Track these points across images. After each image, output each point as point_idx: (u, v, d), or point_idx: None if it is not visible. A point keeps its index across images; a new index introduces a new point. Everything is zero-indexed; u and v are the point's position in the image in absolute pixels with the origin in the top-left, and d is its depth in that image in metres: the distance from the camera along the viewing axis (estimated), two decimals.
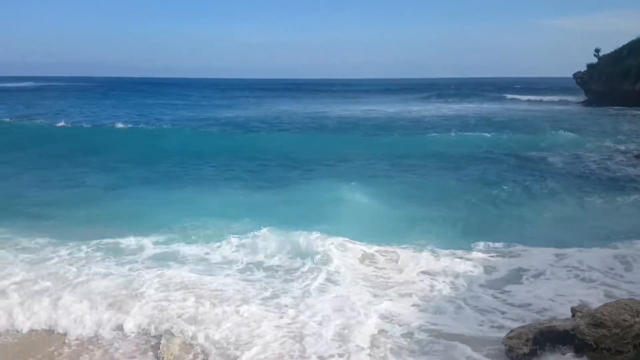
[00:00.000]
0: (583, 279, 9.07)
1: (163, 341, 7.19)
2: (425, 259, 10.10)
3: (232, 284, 8.99)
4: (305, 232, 11.03)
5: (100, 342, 7.34)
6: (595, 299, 8.06)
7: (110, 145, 25.70)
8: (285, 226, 11.53)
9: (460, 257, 10.29)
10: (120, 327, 7.58)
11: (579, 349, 6.25)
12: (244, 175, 18.91)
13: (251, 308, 8.04)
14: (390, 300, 8.39)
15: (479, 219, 13.21)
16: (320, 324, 7.52)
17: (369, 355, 6.72)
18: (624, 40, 57.13)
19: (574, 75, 62.83)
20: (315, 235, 10.82)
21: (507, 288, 8.84)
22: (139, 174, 19.14)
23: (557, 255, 10.31)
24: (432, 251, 10.59)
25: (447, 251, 10.57)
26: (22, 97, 70.35)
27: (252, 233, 11.05)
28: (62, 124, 34.58)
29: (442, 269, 9.64)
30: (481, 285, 8.96)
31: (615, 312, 6.22)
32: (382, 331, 7.33)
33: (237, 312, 7.92)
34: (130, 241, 10.95)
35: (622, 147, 24.98)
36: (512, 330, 6.74)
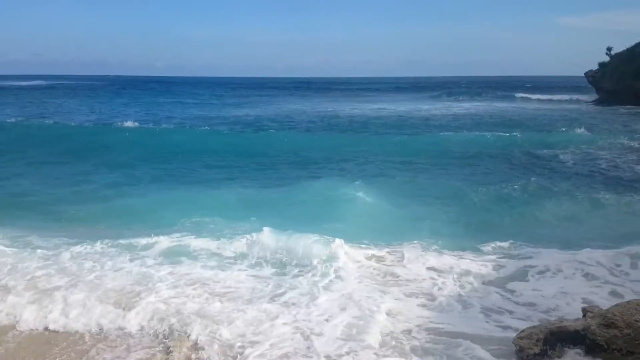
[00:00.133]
0: (591, 279, 9.03)
1: (171, 341, 7.23)
2: (433, 258, 10.08)
3: (241, 282, 9.07)
4: (312, 231, 11.04)
5: (110, 338, 7.38)
6: (601, 298, 8.06)
7: (121, 143, 25.83)
8: (292, 225, 11.55)
9: (468, 257, 10.28)
10: (130, 324, 7.64)
11: (590, 350, 6.21)
12: (253, 174, 18.98)
13: (259, 306, 8.08)
14: (398, 299, 8.40)
15: (487, 218, 13.19)
16: (327, 322, 7.53)
17: (377, 353, 6.70)
18: (637, 39, 56.78)
19: (586, 73, 62.37)
20: (322, 234, 10.83)
21: (515, 287, 8.81)
22: (150, 172, 19.24)
23: (565, 254, 10.28)
24: (440, 250, 10.58)
25: (455, 250, 10.55)
26: (33, 96, 70.69)
27: (259, 232, 11.03)
28: (73, 122, 34.83)
29: (449, 268, 9.62)
30: (489, 285, 8.94)
31: (626, 312, 6.19)
32: (389, 330, 7.32)
33: (246, 309, 7.96)
34: (140, 238, 11.03)
35: (636, 145, 24.84)
36: (522, 331, 6.70)
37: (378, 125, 36.04)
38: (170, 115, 42.97)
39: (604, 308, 6.61)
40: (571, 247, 10.67)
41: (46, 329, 7.63)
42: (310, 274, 9.29)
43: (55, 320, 7.75)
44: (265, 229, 11.03)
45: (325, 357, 6.68)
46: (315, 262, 9.70)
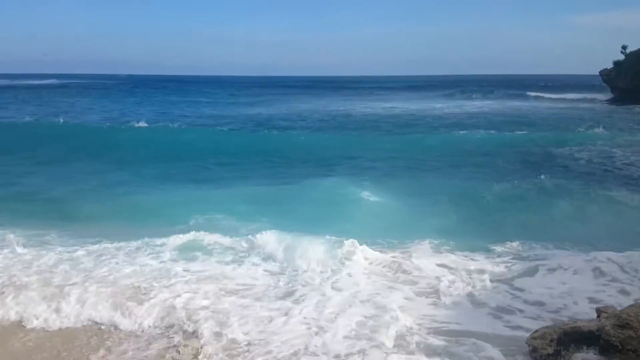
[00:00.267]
0: (604, 279, 8.97)
1: (181, 337, 7.29)
2: (443, 257, 10.11)
3: (252, 279, 9.15)
4: (324, 229, 11.11)
5: (122, 334, 7.46)
6: (614, 299, 8.02)
7: (135, 142, 25.99)
8: (303, 223, 11.69)
9: (478, 256, 10.28)
10: (142, 320, 7.71)
11: (604, 350, 6.16)
12: (266, 172, 19.11)
13: (270, 303, 8.16)
14: (408, 298, 8.42)
15: (499, 217, 13.17)
16: (338, 320, 7.55)
17: (387, 352, 6.71)
18: None
19: (600, 72, 61.69)
20: (333, 233, 10.88)
21: (525, 286, 8.79)
22: (163, 170, 19.39)
23: (577, 253, 10.26)
24: (450, 249, 10.58)
25: (465, 250, 10.54)
26: (46, 95, 71.26)
27: (271, 230, 11.10)
28: (86, 121, 35.13)
29: (460, 267, 9.62)
30: (499, 284, 8.92)
31: None
32: (400, 328, 7.31)
33: (256, 306, 8.05)
34: (153, 235, 11.14)
35: None
36: (536, 331, 6.67)
37: (391, 124, 35.96)
38: (184, 114, 43.16)
39: (619, 309, 6.56)
40: (584, 247, 10.63)
41: (59, 325, 7.69)
42: (321, 273, 9.32)
43: (67, 316, 7.83)
44: (276, 228, 11.09)
45: (335, 355, 6.69)
46: (326, 261, 9.72)
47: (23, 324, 7.71)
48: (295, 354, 6.74)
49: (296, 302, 8.21)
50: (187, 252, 10.41)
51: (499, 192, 15.29)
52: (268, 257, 10.03)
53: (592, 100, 62.32)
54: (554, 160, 21.18)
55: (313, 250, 10.05)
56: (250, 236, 10.89)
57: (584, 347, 6.33)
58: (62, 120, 35.02)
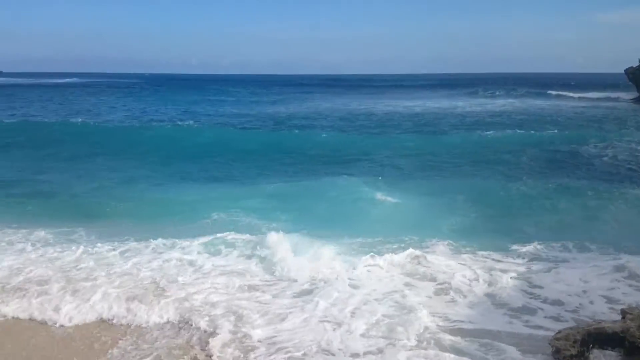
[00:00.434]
0: (626, 279, 8.90)
1: (197, 333, 7.39)
2: (463, 257, 10.10)
3: (270, 277, 9.25)
4: (342, 229, 11.29)
5: (140, 330, 7.60)
6: (638, 300, 7.93)
7: (157, 141, 26.30)
8: (322, 223, 11.90)
9: (498, 256, 10.25)
10: (160, 316, 7.87)
11: (629, 352, 6.09)
12: (286, 170, 19.31)
13: (287, 300, 8.28)
14: (427, 297, 8.42)
15: (520, 217, 13.09)
16: (355, 319, 7.61)
17: (406, 351, 6.73)
18: None
19: (626, 70, 60.62)
20: (352, 232, 10.97)
21: (546, 286, 8.75)
22: (185, 168, 19.70)
23: (599, 255, 10.19)
24: (470, 249, 10.56)
25: (485, 250, 10.51)
26: (70, 94, 72.13)
27: (289, 229, 11.23)
28: (111, 121, 35.59)
29: (480, 266, 9.59)
30: (520, 284, 8.88)
31: None
32: (419, 328, 7.32)
33: (274, 303, 8.17)
34: (175, 233, 11.38)
35: None
36: (559, 332, 6.63)
37: (412, 123, 35.71)
38: (207, 113, 43.41)
39: None
40: (606, 247, 10.56)
41: (80, 320, 7.84)
42: (339, 271, 9.32)
43: (88, 311, 7.99)
44: (296, 226, 11.23)
45: (353, 353, 6.73)
46: (345, 259, 9.75)
47: (45, 319, 7.86)
48: (313, 351, 6.79)
49: (314, 299, 8.28)
50: (208, 248, 10.57)
51: (520, 191, 15.19)
52: (287, 255, 10.02)
53: (616, 99, 61.24)
54: (578, 159, 20.92)
55: (332, 249, 10.10)
56: (270, 234, 10.93)
57: (608, 349, 6.27)
58: (80, 120, 35.40)
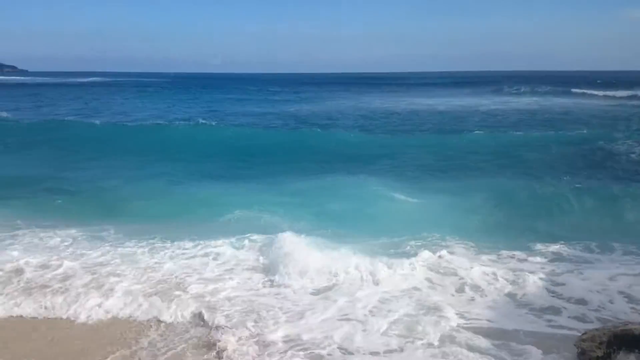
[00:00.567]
0: None
1: (217, 330, 7.44)
2: (485, 257, 10.01)
3: (289, 276, 9.16)
4: (364, 228, 11.33)
5: (162, 325, 7.68)
6: None
7: (181, 140, 26.55)
8: (343, 223, 11.93)
9: (522, 255, 10.13)
10: (182, 312, 7.96)
11: None
12: (308, 169, 19.23)
13: (307, 299, 8.31)
14: (449, 296, 8.37)
15: (544, 218, 12.90)
16: (375, 317, 7.60)
17: (428, 350, 6.71)
18: None
19: None
20: (374, 232, 10.97)
21: (569, 287, 8.63)
22: (209, 167, 19.83)
23: (624, 256, 10.05)
24: (493, 249, 10.44)
25: (508, 249, 10.39)
26: (95, 93, 73.12)
27: (308, 228, 11.30)
28: (135, 120, 36.05)
29: (502, 266, 9.50)
30: (543, 284, 8.76)
31: None
32: (441, 327, 7.28)
33: (293, 301, 8.21)
34: (198, 232, 11.45)
35: None
36: (584, 333, 6.54)
37: (435, 122, 35.41)
38: (230, 112, 43.68)
39: None
40: (632, 249, 10.38)
41: (104, 317, 7.94)
42: (361, 269, 9.27)
43: (109, 308, 8.08)
44: (316, 225, 11.31)
45: (373, 352, 6.71)
46: (366, 258, 9.66)
47: (68, 315, 7.98)
48: (332, 348, 6.80)
49: (334, 297, 8.29)
50: (229, 246, 10.61)
51: (544, 191, 14.96)
52: (307, 254, 9.95)
53: None
54: (604, 159, 20.53)
55: (352, 247, 10.09)
56: (290, 232, 10.94)
57: (635, 351, 6.16)
58: (105, 119, 35.93)
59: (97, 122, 32.94)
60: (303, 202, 14.08)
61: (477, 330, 7.25)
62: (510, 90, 73.08)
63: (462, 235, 11.25)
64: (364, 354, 6.69)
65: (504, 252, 10.25)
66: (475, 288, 8.65)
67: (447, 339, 7.00)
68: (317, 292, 8.59)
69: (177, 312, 7.94)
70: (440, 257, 9.85)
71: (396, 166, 19.99)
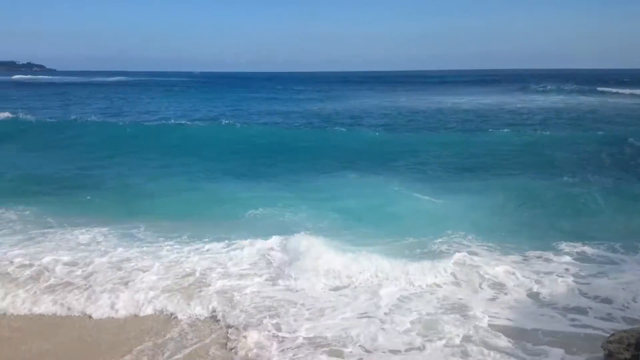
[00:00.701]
0: None
1: (236, 329, 7.47)
2: (509, 257, 9.91)
3: (305, 274, 9.19)
4: (385, 228, 11.33)
5: (183, 322, 7.77)
6: None
7: (207, 139, 26.75)
8: (364, 223, 11.90)
9: (546, 255, 10.02)
10: (202, 309, 8.05)
11: None
12: (333, 168, 19.23)
13: (328, 297, 8.31)
14: (473, 296, 8.33)
15: (569, 218, 12.70)
16: (396, 316, 7.59)
17: (449, 349, 6.68)
18: None
19: None
20: (396, 232, 10.96)
21: (594, 287, 8.54)
22: (231, 166, 19.89)
23: None
24: (517, 249, 10.34)
25: (532, 249, 10.29)
26: (121, 92, 73.88)
27: (330, 227, 11.33)
28: (162, 119, 36.43)
29: (526, 266, 9.42)
30: (567, 284, 8.68)
31: None
32: (464, 327, 7.24)
33: (311, 299, 8.23)
34: (218, 230, 11.55)
35: None
36: (612, 334, 6.44)
37: (460, 120, 35.02)
38: (256, 111, 43.85)
39: None
40: None
41: (125, 314, 8.06)
42: (381, 270, 9.20)
43: (126, 307, 8.19)
44: (338, 225, 11.38)
45: (394, 350, 6.70)
46: (386, 258, 9.60)
47: (88, 313, 8.10)
48: (353, 346, 6.81)
49: (355, 295, 8.31)
50: (251, 244, 10.63)
51: (569, 191, 14.79)
52: (328, 253, 9.92)
53: None
54: (630, 159, 20.16)
55: (375, 247, 10.08)
56: (311, 232, 11.00)
57: None
58: (131, 118, 36.34)
59: (121, 122, 33.32)
60: (325, 201, 14.10)
61: (501, 330, 7.20)
62: (537, 87, 72.07)
63: (486, 234, 11.16)
64: (384, 352, 6.69)
65: (529, 252, 10.16)
66: (499, 287, 8.59)
67: (470, 338, 6.96)
68: (338, 290, 8.60)
69: (197, 309, 8.04)
70: (464, 256, 9.76)
71: (420, 164, 19.89)
